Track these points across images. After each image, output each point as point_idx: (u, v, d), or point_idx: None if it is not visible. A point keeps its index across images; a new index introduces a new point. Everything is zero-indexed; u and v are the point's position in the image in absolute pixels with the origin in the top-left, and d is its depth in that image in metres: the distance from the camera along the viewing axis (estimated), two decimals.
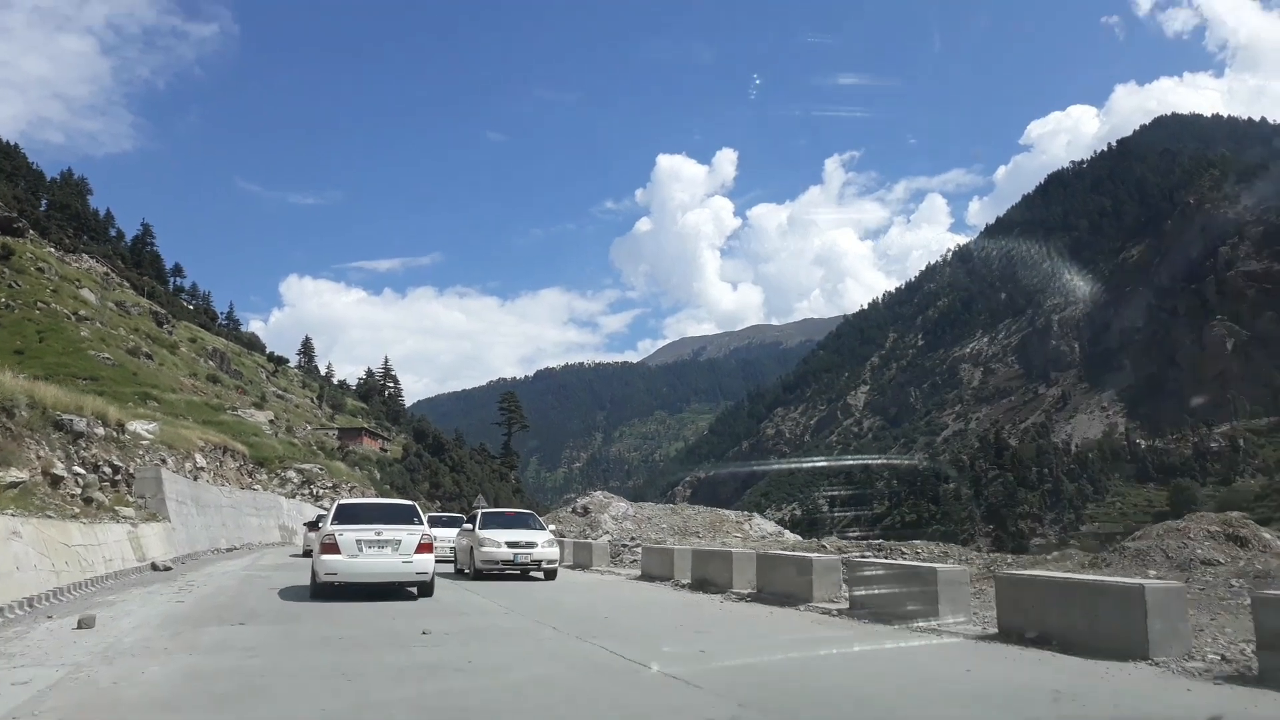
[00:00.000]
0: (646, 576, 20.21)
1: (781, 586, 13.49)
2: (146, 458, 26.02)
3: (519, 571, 19.11)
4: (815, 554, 15.32)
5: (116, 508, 19.62)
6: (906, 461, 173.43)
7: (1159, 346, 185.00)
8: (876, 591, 11.35)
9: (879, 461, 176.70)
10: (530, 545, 18.91)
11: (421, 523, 15.18)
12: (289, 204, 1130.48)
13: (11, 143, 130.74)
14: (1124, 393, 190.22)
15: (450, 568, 21.81)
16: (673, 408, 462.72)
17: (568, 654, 8.68)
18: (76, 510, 17.59)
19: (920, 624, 10.17)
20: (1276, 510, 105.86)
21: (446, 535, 25.75)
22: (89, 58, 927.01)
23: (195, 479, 31.28)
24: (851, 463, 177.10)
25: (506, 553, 18.71)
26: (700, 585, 16.66)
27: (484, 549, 18.94)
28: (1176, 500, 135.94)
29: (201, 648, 8.67)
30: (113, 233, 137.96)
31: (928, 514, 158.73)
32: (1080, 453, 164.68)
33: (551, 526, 22.58)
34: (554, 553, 19.52)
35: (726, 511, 41.74)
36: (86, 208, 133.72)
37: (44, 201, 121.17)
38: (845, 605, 12.36)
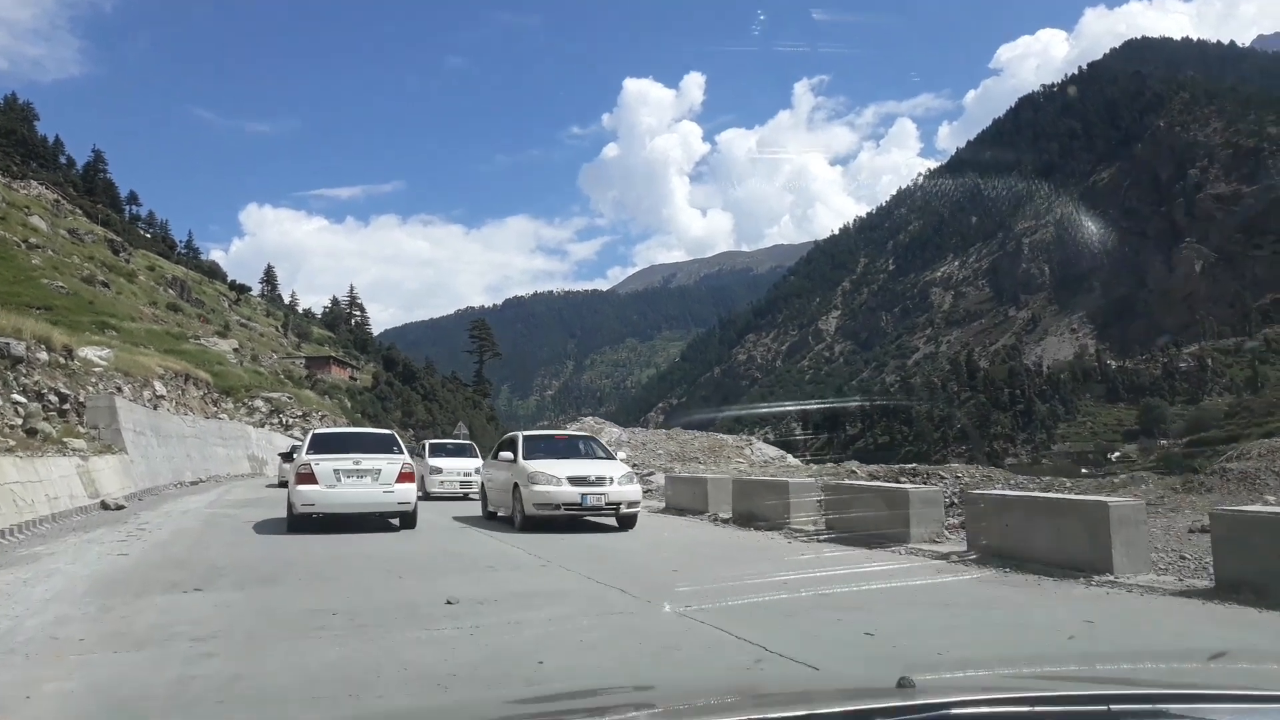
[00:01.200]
0: (674, 509, 17.73)
1: (861, 524, 11.05)
2: (100, 386, 23.39)
3: (575, 517, 14.14)
4: (909, 485, 12.95)
5: (65, 440, 17.24)
6: (901, 403, 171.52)
7: (1128, 269, 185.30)
8: (1009, 530, 8.96)
9: (867, 404, 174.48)
10: (601, 481, 13.82)
11: (402, 452, 14.60)
12: (246, 131, 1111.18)
13: None
14: (1094, 315, 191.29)
15: (476, 508, 17.87)
16: (643, 335, 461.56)
17: (681, 640, 5.81)
18: (13, 443, 15.24)
19: (1096, 578, 7.79)
20: (1245, 427, 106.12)
21: (457, 466, 22.61)
22: None
23: (155, 408, 28.61)
24: (844, 405, 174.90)
25: (570, 492, 13.66)
26: (746, 520, 14.26)
27: (536, 487, 13.81)
28: (1146, 419, 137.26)
29: (133, 637, 5.89)
30: (63, 160, 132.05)
31: (900, 436, 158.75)
32: (1051, 374, 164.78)
33: (621, 454, 17.03)
34: (635, 491, 14.54)
35: (725, 436, 39.70)
36: (33, 134, 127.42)
37: None
38: (959, 546, 9.95)
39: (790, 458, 35.60)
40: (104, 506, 16.67)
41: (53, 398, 18.86)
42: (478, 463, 21.86)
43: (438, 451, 24.02)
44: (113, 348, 30.00)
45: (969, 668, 4.26)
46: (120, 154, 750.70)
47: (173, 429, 28.35)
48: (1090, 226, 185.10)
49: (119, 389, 24.11)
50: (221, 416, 47.84)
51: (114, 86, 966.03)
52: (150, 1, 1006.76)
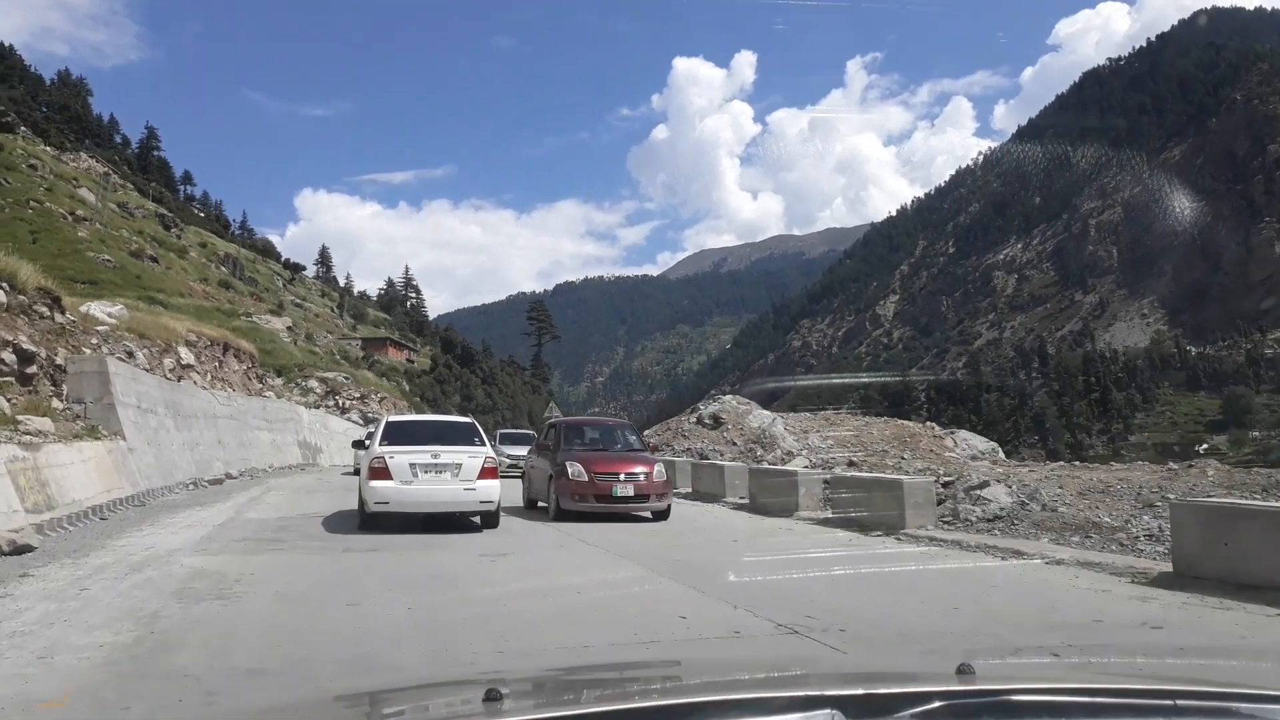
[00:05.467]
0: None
1: None
2: (104, 349, 18.58)
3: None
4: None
5: (22, 417, 12.62)
6: (984, 381, 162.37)
7: (1202, 250, 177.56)
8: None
9: (957, 376, 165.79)
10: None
11: (484, 443, 13.45)
12: (299, 115, 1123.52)
13: (6, 43, 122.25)
14: (1165, 299, 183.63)
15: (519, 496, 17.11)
16: (694, 321, 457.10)
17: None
18: None
19: None
20: None
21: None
22: None
23: (179, 380, 24.39)
24: (926, 378, 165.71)
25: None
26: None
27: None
28: (1231, 409, 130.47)
29: None
30: (118, 140, 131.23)
31: (968, 425, 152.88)
32: (1128, 361, 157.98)
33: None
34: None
35: (911, 424, 33.69)
36: (88, 110, 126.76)
37: (43, 107, 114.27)
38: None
39: (1001, 453, 30.96)
40: None
41: (9, 356, 13.93)
42: None
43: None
44: (131, 308, 25.99)
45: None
46: (176, 138, 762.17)
47: (199, 406, 23.30)
48: (1183, 201, 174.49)
49: (129, 353, 19.80)
50: (267, 394, 43.71)
51: (170, 71, 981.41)
52: None
